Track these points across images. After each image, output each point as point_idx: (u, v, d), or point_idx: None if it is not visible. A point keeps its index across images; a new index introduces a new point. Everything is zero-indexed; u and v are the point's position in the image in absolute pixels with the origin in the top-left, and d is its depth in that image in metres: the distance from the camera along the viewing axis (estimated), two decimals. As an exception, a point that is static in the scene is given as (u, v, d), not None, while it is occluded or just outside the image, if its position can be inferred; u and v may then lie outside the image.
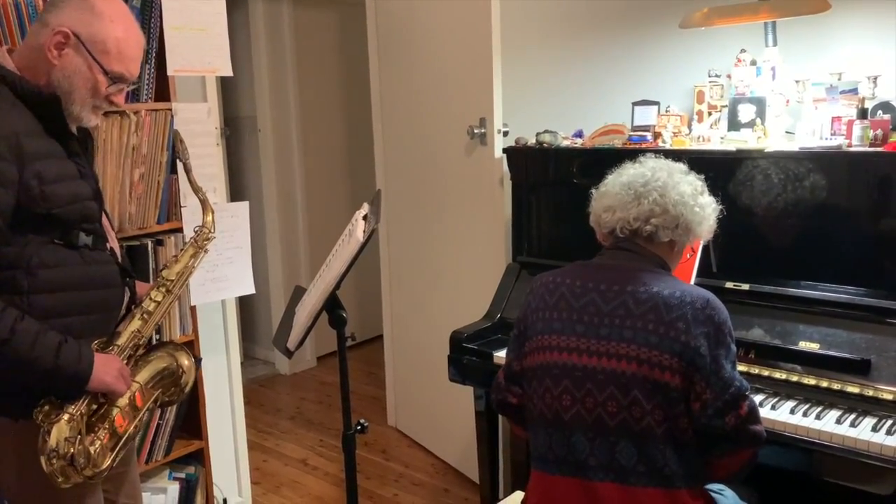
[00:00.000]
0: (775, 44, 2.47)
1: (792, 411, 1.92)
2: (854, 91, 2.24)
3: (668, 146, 2.45)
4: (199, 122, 2.48)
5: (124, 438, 1.69)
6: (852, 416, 1.87)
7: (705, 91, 2.58)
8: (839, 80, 2.30)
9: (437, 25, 3.11)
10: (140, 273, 2.27)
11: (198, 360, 1.93)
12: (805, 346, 2.04)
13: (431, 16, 3.15)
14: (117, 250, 1.79)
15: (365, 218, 1.83)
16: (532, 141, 2.73)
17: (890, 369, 1.91)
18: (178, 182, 2.44)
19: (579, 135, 2.72)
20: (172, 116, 2.39)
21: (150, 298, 1.77)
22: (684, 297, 1.60)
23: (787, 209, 2.17)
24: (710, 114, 2.57)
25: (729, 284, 2.22)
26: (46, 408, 1.58)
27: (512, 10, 2.89)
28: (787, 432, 1.88)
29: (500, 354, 2.37)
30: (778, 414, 1.92)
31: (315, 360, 4.79)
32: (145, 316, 1.75)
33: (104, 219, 1.75)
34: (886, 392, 1.88)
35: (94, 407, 1.65)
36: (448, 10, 3.01)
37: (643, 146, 2.46)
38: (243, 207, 2.62)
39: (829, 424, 1.85)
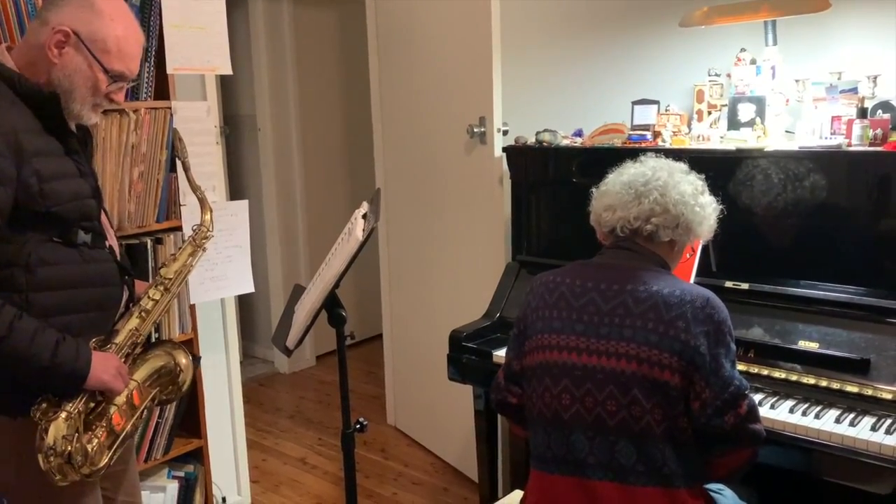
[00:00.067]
0: (775, 43, 2.47)
1: (791, 410, 1.92)
2: (854, 90, 2.24)
3: (667, 145, 2.45)
4: (198, 121, 2.48)
5: (122, 437, 1.69)
6: (851, 416, 1.87)
7: (705, 90, 2.58)
8: (839, 79, 2.30)
9: (437, 24, 3.11)
10: (139, 271, 2.27)
11: (196, 359, 1.93)
12: (804, 345, 2.04)
13: (431, 14, 3.15)
14: (116, 248, 1.79)
15: (364, 216, 1.83)
16: (532, 140, 2.72)
17: (889, 369, 1.91)
18: (177, 180, 2.44)
19: (579, 134, 2.72)
20: (172, 115, 2.39)
21: (149, 297, 1.77)
22: (684, 296, 1.60)
23: (786, 208, 2.17)
24: (709, 113, 2.56)
25: (728, 283, 2.22)
26: (44, 405, 1.57)
27: (512, 9, 2.89)
28: (787, 431, 1.87)
29: (500, 353, 2.36)
30: (777, 413, 1.92)
31: (314, 359, 4.79)
32: (143, 314, 1.75)
33: (103, 217, 1.75)
34: (885, 391, 1.88)
35: (92, 405, 1.65)
36: (448, 9, 3.01)
37: (643, 145, 2.46)
38: (243, 206, 2.62)
39: (828, 424, 1.85)
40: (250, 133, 4.65)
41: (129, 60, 1.65)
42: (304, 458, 3.56)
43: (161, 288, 1.79)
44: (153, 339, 2.05)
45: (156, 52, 2.38)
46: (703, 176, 1.79)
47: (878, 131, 2.10)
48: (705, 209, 1.74)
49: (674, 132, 2.51)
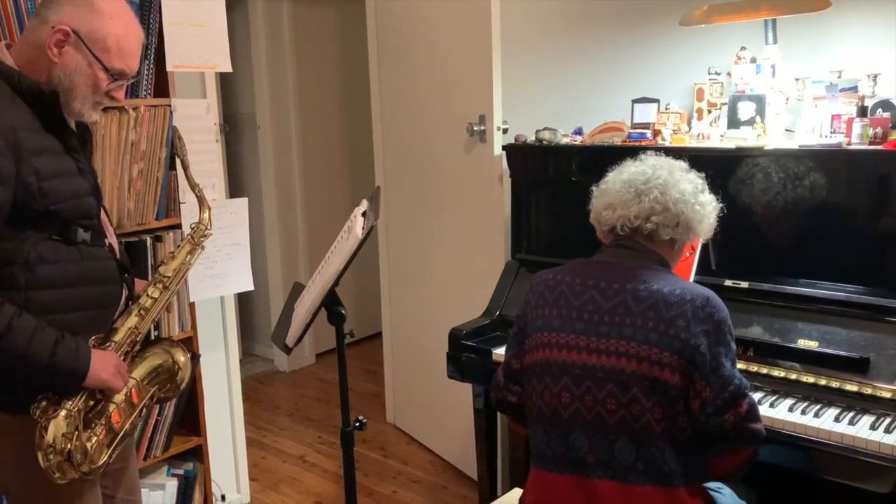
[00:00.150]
0: (775, 41, 2.47)
1: (790, 409, 1.92)
2: (854, 89, 2.24)
3: (667, 144, 2.45)
4: (198, 119, 2.47)
5: (121, 435, 1.69)
6: (851, 414, 1.87)
7: (705, 88, 2.58)
8: (839, 77, 2.30)
9: (437, 22, 3.10)
10: (139, 269, 2.27)
11: (195, 357, 1.93)
12: (804, 343, 2.04)
13: (431, 12, 3.14)
14: (116, 246, 1.78)
15: (364, 214, 1.83)
16: (531, 138, 2.72)
17: (888, 367, 1.91)
18: (177, 178, 2.44)
19: (579, 132, 2.72)
20: (171, 112, 2.39)
21: (148, 295, 1.77)
22: (684, 295, 1.59)
23: (786, 207, 2.17)
24: (709, 111, 2.56)
25: (728, 282, 2.22)
26: (44, 404, 1.57)
27: (512, 7, 2.89)
28: (786, 430, 1.87)
29: (499, 352, 2.36)
30: (776, 412, 1.92)
31: (314, 357, 4.79)
32: (142, 312, 1.75)
33: (103, 215, 1.75)
34: (885, 390, 1.88)
35: (91, 403, 1.65)
36: (448, 7, 3.00)
37: (643, 144, 2.46)
38: (242, 204, 2.62)
39: (827, 422, 1.85)
40: (250, 131, 4.64)
41: (129, 58, 1.65)
42: (303, 456, 3.56)
43: (160, 286, 1.79)
44: (152, 337, 2.05)
45: (155, 50, 2.38)
46: (703, 174, 1.79)
47: (878, 130, 2.10)
48: (705, 208, 1.74)
49: (674, 130, 2.51)
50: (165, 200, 2.45)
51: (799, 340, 2.05)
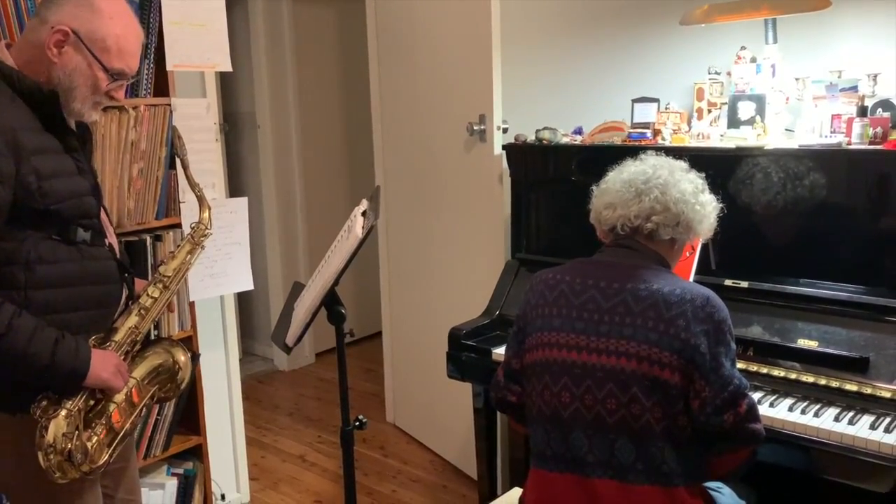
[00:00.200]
0: (775, 41, 2.47)
1: (790, 409, 1.92)
2: (854, 89, 2.24)
3: (667, 143, 2.45)
4: (198, 118, 2.47)
5: (121, 434, 1.69)
6: (850, 414, 1.87)
7: (705, 88, 2.58)
8: (839, 77, 2.30)
9: (437, 22, 3.10)
10: (138, 268, 2.27)
11: (195, 356, 1.93)
12: (803, 343, 2.04)
13: (431, 12, 3.14)
14: (116, 246, 1.78)
15: (364, 214, 1.83)
16: (531, 138, 2.72)
17: (888, 367, 1.91)
18: (176, 177, 2.44)
19: (579, 132, 2.72)
20: (171, 112, 2.39)
21: (148, 294, 1.77)
22: (684, 295, 1.60)
23: (786, 207, 2.17)
24: (709, 111, 2.56)
25: (728, 282, 2.22)
26: (44, 403, 1.57)
27: (512, 6, 2.89)
28: (786, 430, 1.88)
29: (499, 351, 2.37)
30: (776, 411, 1.92)
31: (314, 357, 4.79)
32: (142, 312, 1.75)
33: (102, 214, 1.75)
34: (884, 390, 1.88)
35: (92, 403, 1.65)
36: (448, 7, 3.00)
37: (643, 143, 2.46)
38: (242, 203, 2.62)
39: (827, 422, 1.85)
40: (250, 130, 4.64)
41: (129, 58, 1.65)
42: (303, 456, 3.57)
43: (160, 286, 1.79)
44: (152, 336, 2.05)
45: (155, 49, 2.38)
46: (703, 174, 1.79)
47: (878, 130, 2.10)
48: (705, 207, 1.74)
49: (674, 130, 2.51)
50: (165, 200, 2.45)
51: (799, 340, 2.05)
